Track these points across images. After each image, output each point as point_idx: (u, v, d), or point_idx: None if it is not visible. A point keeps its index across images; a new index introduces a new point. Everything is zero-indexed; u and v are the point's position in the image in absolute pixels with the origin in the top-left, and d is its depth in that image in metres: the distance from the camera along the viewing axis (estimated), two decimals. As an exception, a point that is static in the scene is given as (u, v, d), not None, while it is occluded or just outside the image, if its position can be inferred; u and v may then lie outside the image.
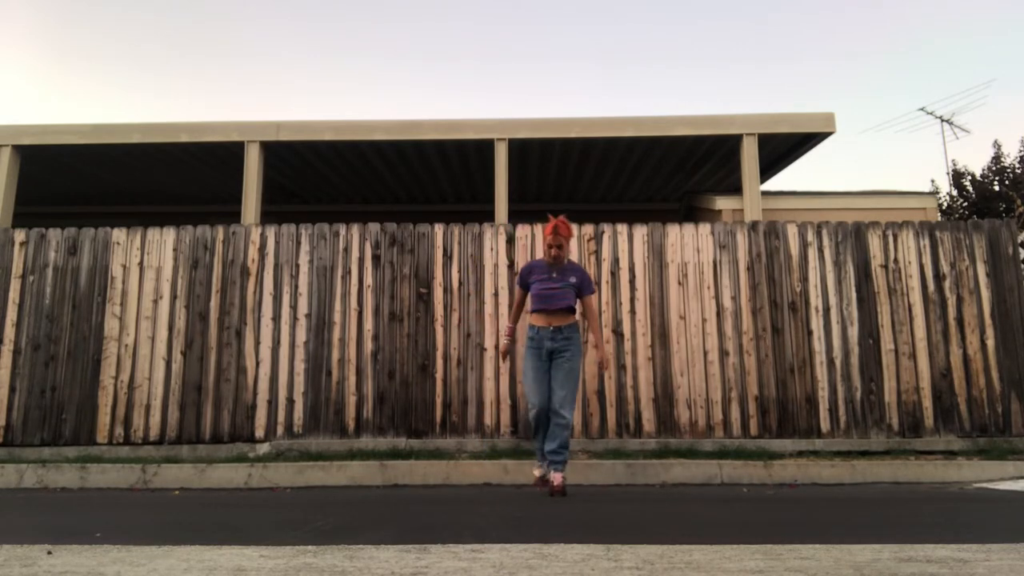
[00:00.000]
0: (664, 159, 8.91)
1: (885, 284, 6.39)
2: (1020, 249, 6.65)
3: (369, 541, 2.32)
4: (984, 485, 4.81)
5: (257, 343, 6.27)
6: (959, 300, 6.35)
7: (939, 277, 6.40)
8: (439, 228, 6.53)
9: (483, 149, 8.19)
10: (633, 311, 6.32)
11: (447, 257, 6.46)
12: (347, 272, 6.42)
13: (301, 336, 6.29)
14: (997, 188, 16.40)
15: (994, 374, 6.22)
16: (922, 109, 15.93)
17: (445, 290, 6.39)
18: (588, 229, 6.51)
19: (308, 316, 6.32)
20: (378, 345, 6.28)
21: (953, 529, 2.95)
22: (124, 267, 6.44)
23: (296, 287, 6.38)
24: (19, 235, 6.53)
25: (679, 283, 6.38)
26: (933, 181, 22.78)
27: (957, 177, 16.89)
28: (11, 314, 6.34)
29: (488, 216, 7.73)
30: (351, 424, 6.16)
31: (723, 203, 8.34)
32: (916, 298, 6.36)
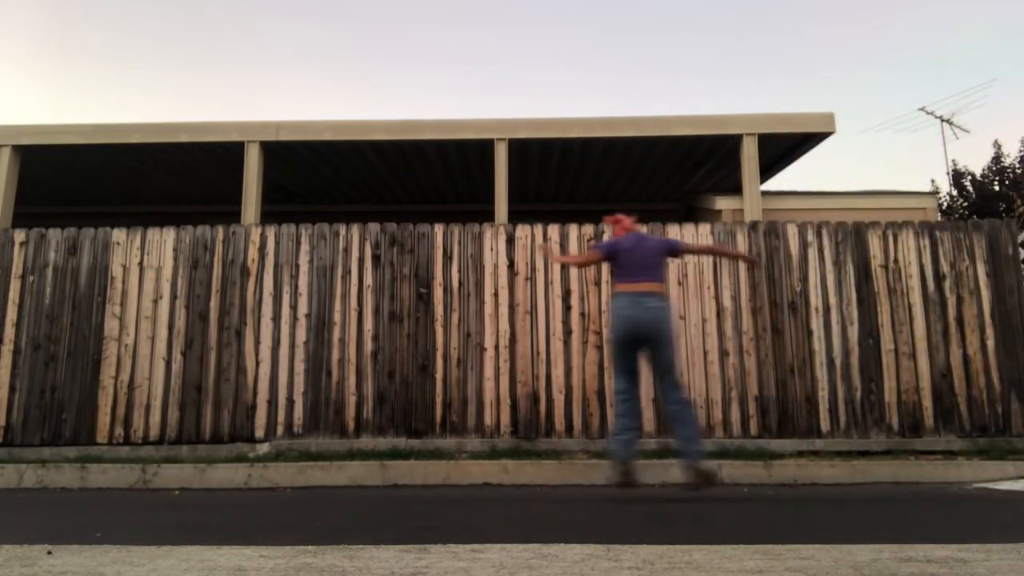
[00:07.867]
0: (664, 159, 8.91)
1: (885, 284, 6.39)
2: (1020, 249, 6.65)
3: (369, 541, 2.32)
4: (984, 485, 4.81)
5: (257, 343, 6.27)
6: (959, 300, 6.35)
7: (939, 277, 6.40)
8: (439, 228, 6.52)
9: (483, 149, 8.18)
10: (633, 311, 6.31)
11: (447, 257, 6.45)
12: (347, 272, 6.42)
13: (301, 336, 6.29)
14: (997, 188, 16.40)
15: (994, 374, 6.21)
16: (922, 109, 15.93)
17: (445, 290, 6.39)
18: (588, 229, 6.51)
19: (308, 316, 6.32)
20: (378, 345, 6.28)
21: (953, 529, 2.95)
22: (124, 267, 6.44)
23: (296, 287, 6.38)
24: (19, 235, 6.53)
25: (679, 283, 6.37)
26: (933, 181, 22.74)
27: (957, 177, 16.89)
28: (11, 314, 6.34)
29: (488, 216, 7.73)
30: (351, 424, 6.16)
31: (723, 203, 8.34)
32: (916, 298, 6.36)
